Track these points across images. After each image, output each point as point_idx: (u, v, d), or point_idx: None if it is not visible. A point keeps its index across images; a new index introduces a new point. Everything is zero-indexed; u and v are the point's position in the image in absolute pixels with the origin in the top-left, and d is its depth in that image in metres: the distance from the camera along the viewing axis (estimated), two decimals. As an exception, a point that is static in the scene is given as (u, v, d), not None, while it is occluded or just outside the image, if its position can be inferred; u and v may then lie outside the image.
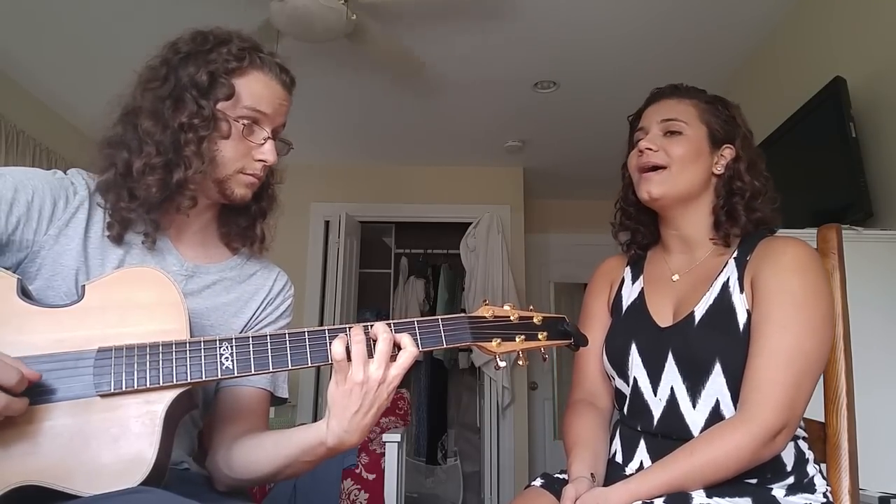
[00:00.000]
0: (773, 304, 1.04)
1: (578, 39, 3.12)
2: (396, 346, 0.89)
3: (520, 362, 0.99)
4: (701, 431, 1.07)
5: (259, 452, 0.98)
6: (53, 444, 0.81)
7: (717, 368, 1.06)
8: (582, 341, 1.04)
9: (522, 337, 0.98)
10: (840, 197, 2.18)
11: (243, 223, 1.16)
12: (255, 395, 1.11)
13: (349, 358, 0.87)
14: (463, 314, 0.97)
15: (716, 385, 1.07)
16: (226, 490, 1.04)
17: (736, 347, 1.06)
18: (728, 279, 1.12)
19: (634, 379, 1.16)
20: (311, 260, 4.68)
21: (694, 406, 1.08)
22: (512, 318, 0.99)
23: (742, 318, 1.07)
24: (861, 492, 1.19)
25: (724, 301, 1.10)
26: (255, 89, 1.06)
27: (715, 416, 1.07)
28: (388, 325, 0.90)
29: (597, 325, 1.29)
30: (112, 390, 0.83)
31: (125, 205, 1.01)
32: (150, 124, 1.01)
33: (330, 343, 0.88)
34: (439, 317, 0.94)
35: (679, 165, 1.17)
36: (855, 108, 2.15)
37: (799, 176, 2.42)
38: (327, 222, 4.72)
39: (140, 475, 0.81)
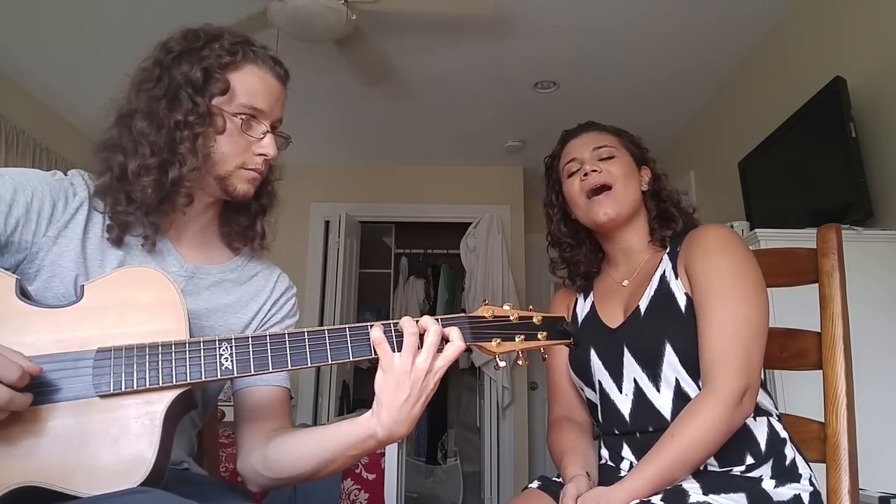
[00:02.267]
0: (708, 284, 1.13)
1: (578, 39, 3.12)
2: (444, 340, 0.91)
3: (520, 362, 0.99)
4: (671, 413, 1.12)
5: (302, 450, 0.98)
6: (53, 444, 0.80)
7: (668, 349, 1.13)
8: (581, 340, 1.05)
9: (522, 337, 0.98)
10: (840, 197, 2.18)
11: (244, 222, 1.16)
12: (275, 394, 1.11)
13: (393, 345, 0.90)
14: (462, 314, 0.97)
15: (671, 365, 1.13)
16: (260, 491, 1.05)
17: (681, 327, 1.14)
18: (665, 271, 1.22)
19: (599, 382, 1.22)
20: (311, 260, 4.68)
21: (658, 390, 1.14)
22: (511, 317, 0.98)
23: (682, 301, 1.16)
24: (861, 492, 1.20)
25: (663, 290, 1.20)
26: (250, 83, 1.05)
27: (679, 394, 1.12)
28: (437, 319, 0.92)
29: (560, 347, 1.32)
30: (112, 391, 0.83)
31: (122, 208, 1.01)
32: (144, 125, 1.01)
33: (330, 344, 0.90)
34: (439, 316, 0.94)
35: (622, 182, 1.28)
36: (855, 108, 2.15)
37: (799, 176, 2.42)
38: (327, 222, 4.72)
39: (140, 475, 0.81)
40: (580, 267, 1.36)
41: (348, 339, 0.92)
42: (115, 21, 2.92)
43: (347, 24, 2.55)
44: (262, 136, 1.07)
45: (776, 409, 1.17)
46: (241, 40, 1.07)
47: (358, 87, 3.64)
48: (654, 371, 1.15)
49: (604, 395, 1.22)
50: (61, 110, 3.81)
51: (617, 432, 1.19)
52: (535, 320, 1.00)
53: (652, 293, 1.20)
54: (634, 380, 1.17)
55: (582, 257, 1.36)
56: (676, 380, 1.13)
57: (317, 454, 0.97)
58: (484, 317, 0.97)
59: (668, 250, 1.25)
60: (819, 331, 1.18)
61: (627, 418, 1.17)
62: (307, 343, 0.91)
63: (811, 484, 1.07)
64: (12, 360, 0.77)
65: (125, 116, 1.03)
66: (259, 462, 1.02)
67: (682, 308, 1.15)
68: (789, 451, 1.10)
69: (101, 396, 0.83)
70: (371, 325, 0.92)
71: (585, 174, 1.28)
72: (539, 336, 0.99)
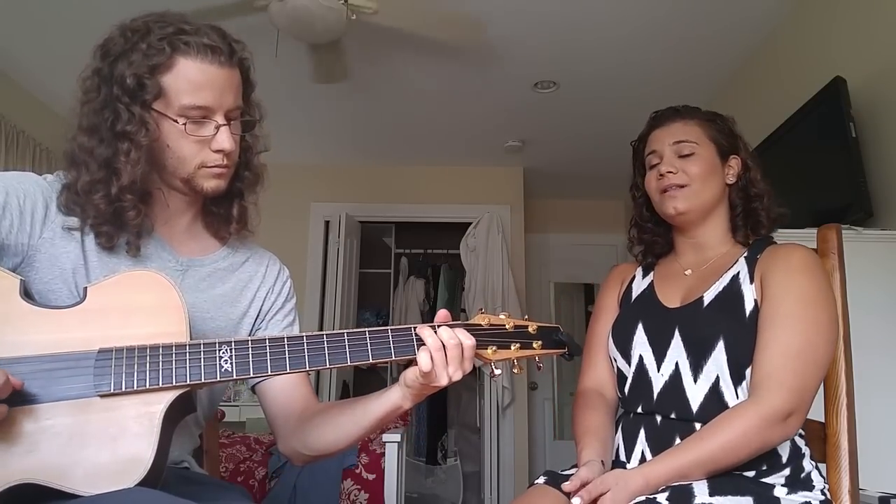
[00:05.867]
0: (783, 301, 1.10)
1: (578, 39, 3.12)
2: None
3: (515, 370, 1.02)
4: (699, 407, 1.11)
5: (339, 432, 1.06)
6: (53, 443, 0.81)
7: (721, 346, 1.11)
8: (576, 351, 1.07)
9: (517, 345, 1.00)
10: (840, 197, 2.18)
11: (224, 210, 1.14)
12: (295, 379, 1.13)
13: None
14: (459, 322, 0.99)
15: (717, 362, 1.11)
16: (304, 464, 1.14)
17: (740, 329, 1.11)
18: (738, 272, 1.19)
19: (640, 357, 1.21)
20: (311, 260, 4.68)
21: (695, 381, 1.13)
22: (507, 326, 1.01)
23: (749, 306, 1.13)
24: (861, 492, 1.20)
25: (733, 289, 1.17)
26: (187, 79, 0.98)
27: (714, 392, 1.11)
28: (436, 327, 0.96)
29: (606, 317, 1.35)
30: (112, 391, 0.84)
31: (92, 221, 0.99)
32: (85, 139, 0.99)
33: (328, 349, 0.93)
34: (437, 323, 0.96)
35: (699, 183, 1.24)
36: (855, 109, 2.15)
37: (799, 176, 2.42)
38: (327, 222, 4.71)
39: (138, 475, 0.81)
40: (656, 247, 1.36)
41: (346, 344, 0.93)
42: (117, 19, 2.91)
43: (347, 24, 2.55)
44: (214, 131, 1.01)
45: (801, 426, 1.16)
46: (171, 32, 0.99)
47: (358, 88, 3.64)
48: (698, 361, 1.13)
49: (641, 369, 1.21)
50: (61, 110, 3.81)
51: (640, 411, 1.19)
52: (530, 329, 1.02)
53: (721, 289, 1.18)
54: (676, 363, 1.16)
55: (660, 238, 1.36)
56: (717, 377, 1.11)
57: (354, 432, 1.05)
58: (480, 325, 1.00)
59: (745, 254, 1.21)
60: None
61: (655, 397, 1.17)
62: (306, 347, 0.92)
63: (823, 494, 1.07)
64: None
65: (76, 130, 1.02)
66: (300, 445, 1.09)
67: (747, 313, 1.13)
68: (807, 465, 1.09)
69: (102, 396, 0.84)
70: (371, 334, 0.94)
71: (661, 174, 1.26)
72: (534, 345, 1.02)
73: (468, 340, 0.94)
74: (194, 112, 0.99)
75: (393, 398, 1.00)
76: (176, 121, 0.99)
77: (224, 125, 1.02)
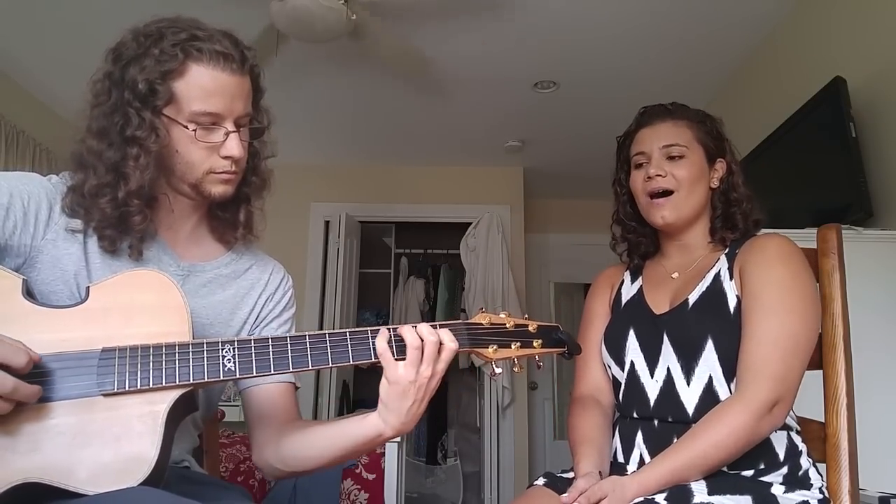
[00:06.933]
0: (761, 292, 1.11)
1: (578, 39, 3.12)
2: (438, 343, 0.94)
3: (515, 369, 1.02)
4: (695, 409, 1.12)
5: (312, 451, 1.03)
6: (56, 442, 0.81)
7: (710, 346, 1.12)
8: (575, 350, 1.07)
9: (518, 344, 1.01)
10: (840, 197, 2.18)
11: (230, 215, 1.14)
12: (281, 390, 1.12)
13: (393, 353, 0.91)
14: (460, 321, 0.99)
15: (708, 362, 1.12)
16: (276, 479, 1.08)
17: (726, 327, 1.12)
18: (720, 270, 1.20)
19: (631, 363, 1.22)
20: (311, 260, 4.68)
21: (688, 384, 1.14)
22: (508, 325, 1.01)
23: (732, 303, 1.15)
24: (861, 492, 1.20)
25: (715, 287, 1.18)
26: (199, 86, 0.98)
27: (708, 392, 1.12)
28: (434, 326, 0.95)
29: (598, 322, 1.35)
30: (115, 390, 0.84)
31: (96, 224, 0.99)
32: (94, 142, 0.99)
33: (331, 348, 0.92)
34: (438, 322, 0.97)
35: (687, 188, 1.24)
36: (855, 108, 2.15)
37: (799, 176, 2.42)
38: (327, 222, 4.72)
39: (141, 474, 0.81)
40: (640, 247, 1.36)
41: (349, 343, 0.94)
42: (116, 21, 2.91)
43: (347, 24, 2.55)
44: (224, 137, 1.01)
45: (797, 423, 1.16)
46: (184, 38, 0.99)
47: (358, 88, 3.64)
48: (689, 364, 1.14)
49: (633, 375, 1.21)
50: (61, 110, 3.81)
51: (636, 416, 1.19)
52: (530, 328, 1.03)
53: (703, 289, 1.19)
54: (668, 368, 1.16)
55: (644, 238, 1.35)
56: (710, 377, 1.12)
57: (328, 453, 1.01)
58: (481, 324, 1.00)
59: (726, 251, 1.23)
60: (819, 331, 1.18)
61: (651, 403, 1.17)
62: (308, 346, 0.92)
63: (821, 493, 1.07)
64: (16, 347, 0.78)
65: (85, 132, 1.01)
66: (273, 457, 1.06)
67: (731, 309, 1.14)
68: (804, 462, 1.10)
69: (105, 395, 0.84)
70: (372, 333, 0.94)
71: (649, 176, 1.25)
72: (534, 344, 1.02)
73: (452, 343, 0.93)
74: (205, 118, 1.00)
75: (370, 421, 0.96)
76: (186, 127, 0.99)
77: (234, 132, 1.02)
